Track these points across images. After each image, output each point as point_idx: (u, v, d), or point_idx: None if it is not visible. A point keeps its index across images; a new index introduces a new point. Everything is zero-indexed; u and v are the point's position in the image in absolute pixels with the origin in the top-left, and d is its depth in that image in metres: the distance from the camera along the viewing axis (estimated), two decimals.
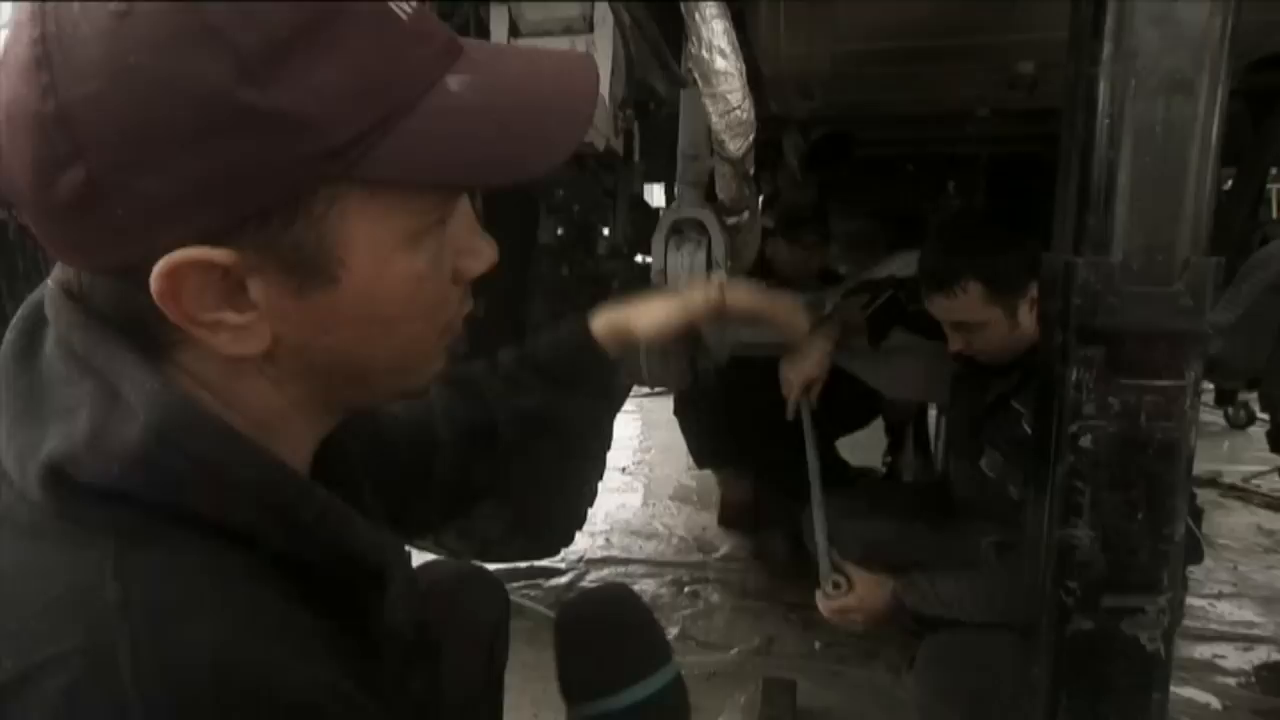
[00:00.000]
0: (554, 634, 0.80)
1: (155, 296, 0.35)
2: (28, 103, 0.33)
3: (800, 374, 1.43)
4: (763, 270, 1.92)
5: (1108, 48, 0.58)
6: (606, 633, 0.78)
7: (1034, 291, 1.15)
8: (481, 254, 0.47)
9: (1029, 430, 1.11)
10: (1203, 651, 1.67)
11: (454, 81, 0.39)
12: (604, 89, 0.83)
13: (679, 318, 0.74)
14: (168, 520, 0.37)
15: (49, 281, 0.41)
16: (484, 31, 0.86)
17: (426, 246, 0.41)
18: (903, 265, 1.66)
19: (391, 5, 0.37)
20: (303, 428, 0.45)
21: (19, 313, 0.42)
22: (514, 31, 0.84)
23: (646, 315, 0.74)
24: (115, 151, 0.33)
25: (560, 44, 0.84)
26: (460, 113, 0.39)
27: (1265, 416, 2.11)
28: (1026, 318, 1.17)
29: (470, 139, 0.39)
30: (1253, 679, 1.58)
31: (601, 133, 0.82)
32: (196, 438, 0.37)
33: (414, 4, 0.39)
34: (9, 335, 0.41)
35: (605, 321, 0.74)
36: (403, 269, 0.40)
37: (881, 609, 1.17)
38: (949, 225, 1.39)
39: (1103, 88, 0.58)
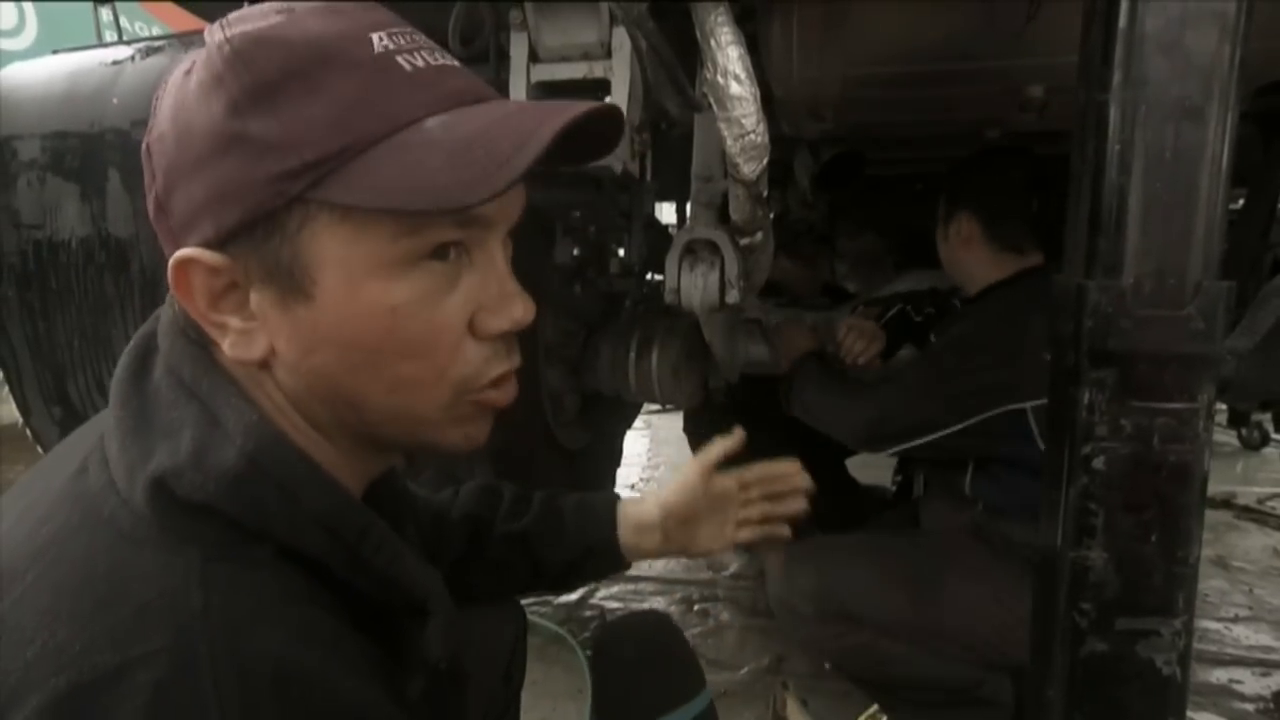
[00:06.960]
0: (593, 658, 0.81)
1: (172, 287, 0.43)
2: (142, 144, 0.45)
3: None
4: (768, 286, 1.93)
5: (1118, 75, 0.58)
6: (647, 659, 0.79)
7: (962, 228, 1.35)
8: (504, 311, 0.46)
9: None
10: (1219, 676, 1.64)
11: (433, 121, 0.42)
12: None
13: (697, 475, 0.83)
14: (246, 538, 0.40)
15: (165, 309, 0.47)
16: (505, 58, 0.88)
17: (411, 280, 0.43)
18: (912, 284, 1.67)
19: (399, 58, 0.42)
20: (350, 457, 0.48)
21: (133, 341, 0.47)
22: (533, 57, 0.86)
23: (666, 490, 0.82)
24: (165, 175, 0.43)
25: (578, 69, 0.86)
26: (420, 146, 0.41)
27: None
28: (954, 241, 1.36)
29: (417, 168, 0.40)
30: (1271, 705, 1.55)
31: (619, 156, 0.84)
32: (282, 467, 0.41)
33: (437, 60, 0.43)
34: (123, 360, 0.46)
35: (635, 510, 0.81)
36: (375, 296, 0.42)
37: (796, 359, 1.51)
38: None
39: (1113, 114, 0.59)
